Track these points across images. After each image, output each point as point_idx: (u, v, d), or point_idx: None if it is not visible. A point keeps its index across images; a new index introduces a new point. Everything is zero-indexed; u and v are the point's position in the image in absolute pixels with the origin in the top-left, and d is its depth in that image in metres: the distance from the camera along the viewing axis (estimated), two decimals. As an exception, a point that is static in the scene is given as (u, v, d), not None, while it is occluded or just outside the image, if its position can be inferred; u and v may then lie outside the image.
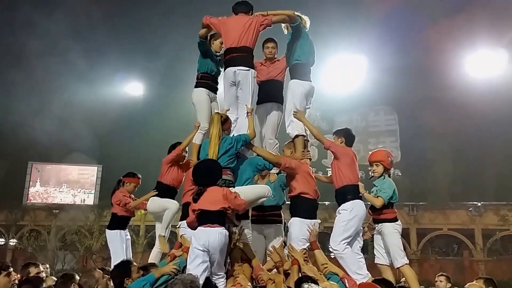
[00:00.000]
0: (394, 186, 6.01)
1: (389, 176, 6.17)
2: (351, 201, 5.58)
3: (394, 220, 6.00)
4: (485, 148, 24.32)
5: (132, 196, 7.08)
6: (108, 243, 6.97)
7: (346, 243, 5.48)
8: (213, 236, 4.69)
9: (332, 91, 25.98)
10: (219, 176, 5.03)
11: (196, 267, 4.69)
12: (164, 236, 6.69)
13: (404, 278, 6.06)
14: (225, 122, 5.66)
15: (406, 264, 5.85)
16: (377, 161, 6.13)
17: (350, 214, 5.53)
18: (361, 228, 5.80)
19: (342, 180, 5.66)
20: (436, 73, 24.98)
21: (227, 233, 4.84)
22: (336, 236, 5.54)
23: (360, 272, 5.37)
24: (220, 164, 5.23)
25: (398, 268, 5.89)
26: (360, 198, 5.70)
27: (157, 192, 6.64)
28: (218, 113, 5.80)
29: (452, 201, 25.72)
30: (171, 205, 6.63)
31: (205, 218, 4.80)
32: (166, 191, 6.63)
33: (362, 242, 5.75)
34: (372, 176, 6.17)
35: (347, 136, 5.97)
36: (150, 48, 28.21)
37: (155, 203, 6.67)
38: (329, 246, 5.58)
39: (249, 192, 5.30)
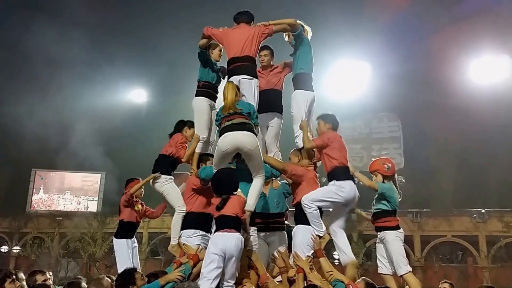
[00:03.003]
0: (394, 190, 5.99)
1: (394, 183, 6.13)
2: (343, 181, 5.54)
3: (397, 228, 5.97)
4: (489, 155, 24.31)
5: (142, 203, 7.01)
6: (114, 251, 6.85)
7: (317, 206, 5.48)
8: (231, 241, 4.75)
9: (336, 97, 25.99)
10: (238, 183, 5.10)
11: (210, 272, 4.72)
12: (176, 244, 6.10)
13: (407, 287, 6.00)
14: (238, 90, 5.63)
15: (410, 272, 5.81)
16: (374, 171, 6.14)
17: (337, 189, 5.50)
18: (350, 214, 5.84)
19: (332, 162, 5.61)
20: (440, 79, 25.02)
21: (243, 239, 4.89)
22: (312, 195, 5.51)
23: (320, 229, 5.49)
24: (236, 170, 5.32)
25: (401, 276, 5.84)
26: (352, 179, 5.64)
27: (159, 174, 6.21)
28: (231, 81, 5.71)
29: (456, 208, 25.66)
30: (181, 207, 6.07)
31: (223, 223, 4.86)
32: (169, 164, 6.37)
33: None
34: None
35: (334, 121, 5.94)
36: (154, 56, 28.37)
37: (168, 190, 6.25)
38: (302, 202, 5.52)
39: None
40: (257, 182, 5.52)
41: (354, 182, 5.65)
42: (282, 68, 6.70)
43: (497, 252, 24.68)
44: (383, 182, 6.03)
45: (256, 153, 5.36)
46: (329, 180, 5.67)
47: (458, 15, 24.59)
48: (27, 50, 26.09)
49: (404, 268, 5.78)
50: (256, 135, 5.43)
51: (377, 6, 24.80)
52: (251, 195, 5.44)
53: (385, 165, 6.06)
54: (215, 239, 4.84)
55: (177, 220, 6.05)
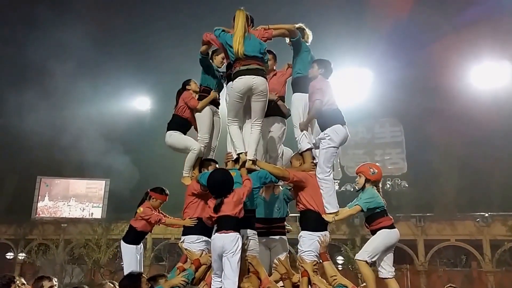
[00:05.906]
0: (376, 195, 5.83)
1: (378, 189, 6.01)
2: (332, 126, 5.75)
3: (391, 227, 5.76)
4: (491, 159, 24.24)
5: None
6: (122, 255, 6.73)
7: (330, 171, 5.71)
8: (227, 239, 4.81)
9: (338, 103, 26.00)
10: (232, 184, 5.10)
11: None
12: (188, 177, 6.46)
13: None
14: (247, 20, 5.73)
15: (366, 262, 5.48)
16: (359, 172, 6.05)
17: (334, 137, 5.71)
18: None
19: (323, 108, 5.82)
20: (441, 85, 25.06)
21: (240, 238, 4.91)
22: (323, 163, 5.69)
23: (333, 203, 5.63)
24: (231, 176, 5.26)
25: (357, 260, 5.58)
26: (341, 123, 5.86)
27: (196, 222, 5.96)
28: (242, 9, 5.80)
29: (459, 212, 25.55)
30: (194, 145, 6.45)
31: (222, 224, 4.91)
32: (181, 125, 6.72)
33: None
34: (360, 189, 6.07)
35: (327, 68, 6.13)
36: (158, 64, 28.46)
37: (176, 138, 6.65)
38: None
39: None
40: (256, 131, 5.82)
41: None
42: (284, 72, 6.77)
43: (501, 256, 24.51)
44: (364, 184, 5.94)
45: (264, 98, 5.72)
46: (321, 125, 5.91)
47: (458, 22, 24.67)
48: (32, 59, 26.25)
49: (364, 254, 5.51)
50: (267, 79, 5.82)
51: (378, 13, 24.91)
52: (251, 143, 5.74)
53: (371, 169, 5.98)
54: (213, 242, 4.94)
55: (190, 157, 6.42)
